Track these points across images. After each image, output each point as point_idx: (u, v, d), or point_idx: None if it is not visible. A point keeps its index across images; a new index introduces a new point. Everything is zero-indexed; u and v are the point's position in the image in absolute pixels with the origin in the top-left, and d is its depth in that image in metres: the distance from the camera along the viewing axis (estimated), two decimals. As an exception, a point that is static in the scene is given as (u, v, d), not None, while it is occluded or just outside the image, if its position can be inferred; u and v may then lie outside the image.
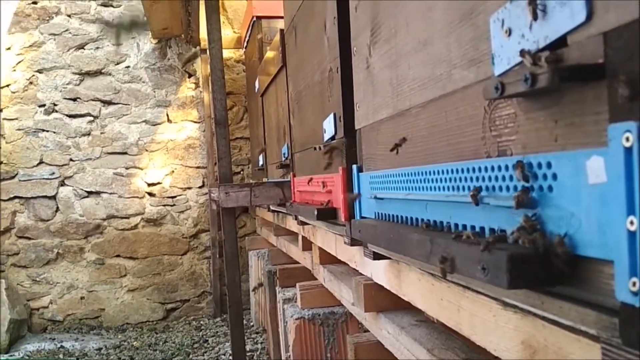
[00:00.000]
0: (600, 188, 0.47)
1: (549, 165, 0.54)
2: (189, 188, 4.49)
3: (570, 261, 0.52)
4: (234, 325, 2.41)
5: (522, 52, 0.51)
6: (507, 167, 0.62)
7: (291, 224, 2.59)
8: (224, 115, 2.35)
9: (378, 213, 1.08)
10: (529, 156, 0.57)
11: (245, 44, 4.03)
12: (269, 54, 2.79)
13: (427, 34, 0.83)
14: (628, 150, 0.43)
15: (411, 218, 0.91)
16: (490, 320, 0.76)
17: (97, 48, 4.41)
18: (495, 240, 0.60)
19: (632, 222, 0.43)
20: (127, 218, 4.42)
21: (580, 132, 0.50)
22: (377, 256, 1.16)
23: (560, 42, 0.51)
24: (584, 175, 0.49)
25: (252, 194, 2.16)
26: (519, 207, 0.57)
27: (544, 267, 0.53)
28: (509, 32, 0.59)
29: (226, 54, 4.53)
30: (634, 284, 0.43)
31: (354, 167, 1.23)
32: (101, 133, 4.39)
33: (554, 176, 0.53)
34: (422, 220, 0.86)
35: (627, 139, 0.43)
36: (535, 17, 0.53)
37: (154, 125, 4.47)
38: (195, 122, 4.52)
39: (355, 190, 1.24)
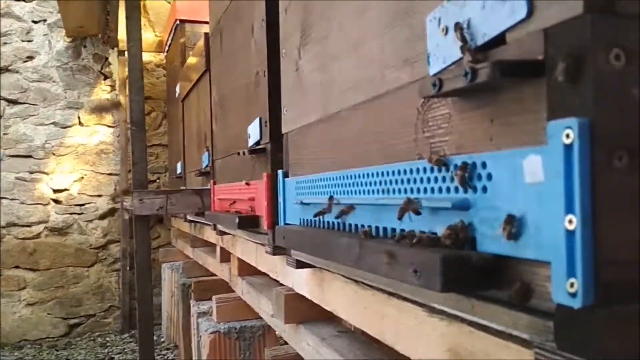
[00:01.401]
0: (537, 187, 0.46)
1: (483, 165, 0.53)
2: (99, 196, 4.24)
3: (504, 263, 0.51)
4: (143, 341, 2.27)
5: (463, 48, 0.50)
6: (439, 169, 0.60)
7: (209, 235, 2.49)
8: (141, 118, 2.23)
9: (303, 219, 1.05)
10: (462, 157, 0.56)
11: (166, 48, 3.89)
12: (192, 58, 2.70)
13: (360, 35, 0.81)
14: (568, 148, 0.42)
15: (338, 224, 0.88)
16: (415, 328, 0.74)
17: (5, 44, 4.09)
18: (427, 241, 0.58)
19: (570, 221, 0.42)
20: (29, 226, 4.09)
21: (517, 131, 0.49)
22: (300, 265, 1.13)
23: (499, 40, 0.51)
24: (520, 175, 0.48)
25: (169, 202, 2.06)
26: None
27: (477, 270, 0.51)
28: (446, 31, 0.58)
29: (146, 57, 4.35)
30: (572, 284, 0.42)
31: (280, 172, 1.19)
32: (4, 134, 4.05)
33: (489, 176, 0.52)
34: (350, 225, 0.84)
35: (568, 136, 0.42)
36: (472, 16, 0.52)
37: (64, 127, 4.19)
38: (109, 126, 4.29)
39: (280, 197, 1.20)
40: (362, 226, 0.79)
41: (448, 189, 0.59)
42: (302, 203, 1.01)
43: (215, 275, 2.52)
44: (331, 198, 0.85)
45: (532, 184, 0.47)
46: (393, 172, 0.70)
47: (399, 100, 0.70)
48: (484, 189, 0.53)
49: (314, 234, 0.85)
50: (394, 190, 0.70)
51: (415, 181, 0.65)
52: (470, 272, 0.51)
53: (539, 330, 0.46)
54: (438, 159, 0.56)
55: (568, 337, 0.43)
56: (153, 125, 4.36)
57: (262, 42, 1.37)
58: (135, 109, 2.19)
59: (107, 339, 4.13)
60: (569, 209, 0.42)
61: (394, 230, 0.70)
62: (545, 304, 0.46)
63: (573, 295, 0.42)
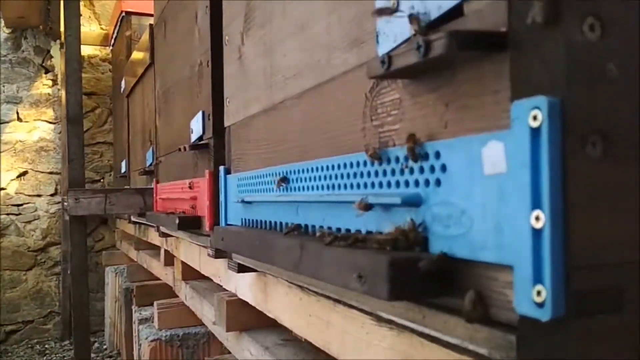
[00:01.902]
0: (498, 179, 0.40)
1: (437, 155, 0.47)
2: (39, 196, 4.00)
3: (460, 267, 0.45)
4: (80, 351, 2.12)
5: (411, 18, 0.43)
6: (388, 160, 0.53)
7: (153, 237, 2.36)
8: (79, 111, 2.08)
9: (245, 219, 0.97)
10: (417, 148, 0.49)
11: (112, 42, 3.72)
12: (137, 52, 2.57)
13: (305, 16, 0.74)
14: (535, 131, 0.36)
15: (281, 223, 0.81)
16: (362, 339, 0.67)
17: None
18: (374, 242, 0.51)
19: (537, 218, 0.36)
20: (-40, 228, 3.82)
21: (476, 116, 0.43)
22: (242, 268, 1.04)
23: (456, 12, 0.44)
24: (478, 166, 0.42)
25: (108, 201, 1.92)
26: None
27: (429, 275, 0.45)
28: (396, 5, 0.51)
29: (91, 51, 4.16)
30: (539, 293, 0.35)
31: (221, 168, 1.11)
32: None
33: (443, 168, 0.46)
34: (292, 224, 0.76)
35: (535, 118, 0.36)
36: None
37: (1, 123, 3.94)
38: (50, 122, 4.06)
39: (222, 195, 1.11)
40: (307, 226, 0.72)
41: (398, 184, 0.52)
42: (243, 201, 0.93)
43: (159, 279, 2.40)
44: (285, 179, 0.77)
45: (493, 175, 0.40)
46: (339, 166, 0.63)
47: (346, 86, 0.63)
48: (437, 182, 0.46)
49: (253, 235, 0.77)
50: (339, 186, 0.63)
51: (362, 175, 0.58)
52: (422, 277, 0.44)
53: (499, 345, 0.40)
54: (373, 152, 0.49)
55: (533, 353, 0.37)
56: (98, 122, 4.16)
57: (206, 30, 1.27)
58: (72, 102, 2.05)
59: (47, 346, 3.91)
60: (536, 204, 0.36)
61: (339, 230, 0.63)
62: (506, 315, 0.40)
63: (540, 305, 0.35)
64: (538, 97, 0.36)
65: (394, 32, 0.52)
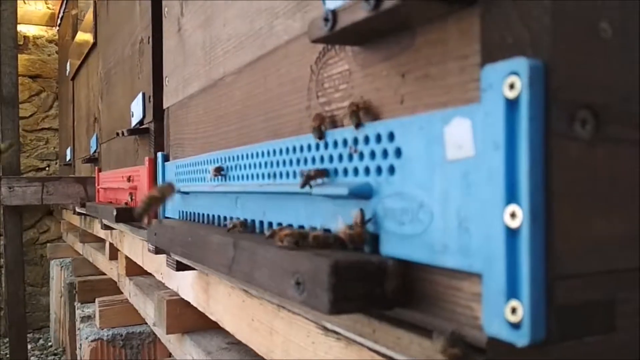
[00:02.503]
0: (464, 165, 0.32)
1: (390, 137, 0.38)
2: (-21, 184, 3.76)
3: (416, 272, 0.37)
4: (16, 350, 1.97)
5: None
6: (335, 144, 0.45)
7: (98, 229, 2.22)
8: (14, 92, 1.92)
9: (183, 212, 0.87)
10: (364, 126, 0.41)
11: (58, 22, 3.51)
12: (81, 32, 2.40)
13: (247, -21, 0.64)
14: (512, 104, 0.28)
15: (219, 217, 0.71)
16: (307, 349, 0.59)
17: None
18: (319, 241, 0.43)
19: (513, 215, 0.28)
20: None
21: (438, 87, 0.35)
22: (181, 266, 0.94)
23: (415, -39, 0.36)
24: (439, 149, 0.34)
25: (45, 191, 1.78)
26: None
27: (378, 282, 0.37)
28: (347, -42, 0.43)
29: (37, 31, 3.92)
30: (514, 310, 0.28)
31: (159, 155, 1.00)
32: None
33: (397, 152, 0.38)
34: (232, 219, 0.67)
35: (512, 86, 0.28)
36: None
37: (-64, 106, 3.67)
38: (-9, 106, 3.81)
39: (160, 183, 1.00)
40: (246, 220, 0.63)
41: (346, 171, 0.44)
42: (180, 192, 0.83)
43: (105, 274, 2.26)
44: (219, 169, 0.67)
45: (457, 160, 0.32)
46: (281, 151, 0.54)
47: (289, 57, 0.54)
48: (391, 170, 0.38)
49: (186, 230, 0.67)
50: (282, 174, 0.54)
51: (307, 161, 0.49)
52: (370, 286, 0.36)
53: (462, 371, 0.32)
54: (317, 127, 0.41)
55: (505, 385, 0.29)
56: (43, 106, 3.93)
57: (147, 4, 1.16)
58: (6, 82, 1.88)
59: (-13, 344, 3.69)
60: (511, 197, 0.28)
61: (280, 225, 0.54)
62: (472, 334, 0.32)
63: (515, 326, 0.28)
64: (516, 59, 0.28)
65: (343, -10, 0.43)
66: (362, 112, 0.41)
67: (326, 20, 0.38)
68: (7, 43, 1.91)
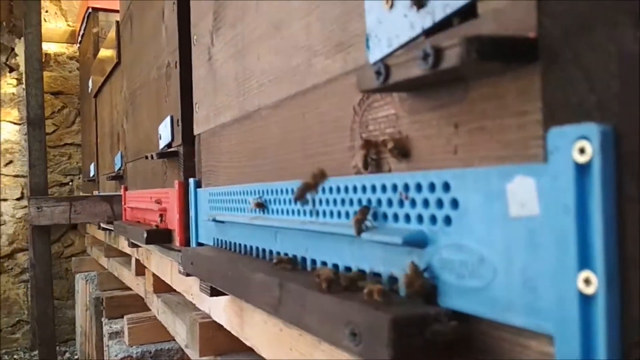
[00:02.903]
0: (529, 223, 0.32)
1: (445, 187, 0.38)
2: (4, 200, 3.82)
3: (475, 325, 0.36)
4: (46, 368, 1.99)
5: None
6: (383, 188, 0.45)
7: (124, 245, 2.25)
8: (40, 114, 1.95)
9: (218, 240, 0.87)
10: (415, 173, 0.41)
11: (79, 39, 3.56)
12: (104, 49, 2.44)
13: (281, 14, 0.65)
14: (583, 168, 0.28)
15: (257, 249, 0.72)
16: (352, 384, 0.59)
17: None
18: (370, 289, 0.43)
19: (587, 281, 0.28)
20: None
21: (495, 142, 0.35)
22: (215, 292, 0.95)
23: (468, 12, 0.36)
24: (501, 204, 0.33)
25: (72, 210, 1.80)
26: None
27: (439, 335, 0.36)
28: (391, 3, 0.43)
29: (57, 49, 3.99)
30: (589, 376, 0.27)
31: (191, 181, 1.01)
32: None
33: (454, 203, 0.37)
34: (271, 252, 0.67)
35: (582, 151, 0.28)
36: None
37: (-37, 124, 3.75)
38: (15, 123, 3.88)
39: (192, 210, 1.01)
40: (286, 255, 0.63)
41: (396, 217, 0.44)
42: (215, 220, 0.84)
43: (131, 289, 2.28)
44: (261, 204, 0.68)
45: (521, 218, 0.32)
46: (324, 190, 0.54)
47: (329, 96, 0.55)
48: (447, 220, 0.38)
49: (226, 263, 0.68)
50: (325, 213, 0.54)
51: (352, 203, 0.49)
52: (432, 339, 0.36)
53: None
54: (363, 155, 0.41)
55: None
56: (65, 122, 3.98)
57: (173, 29, 1.17)
58: (33, 104, 1.91)
59: (15, 356, 3.75)
60: (585, 263, 0.28)
61: (324, 265, 0.54)
62: (540, 394, 0.32)
63: (592, 393, 0.27)
64: (586, 124, 0.28)
65: (388, 34, 0.43)
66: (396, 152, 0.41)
67: (378, 73, 0.38)
68: (33, 65, 1.94)
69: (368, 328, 0.38)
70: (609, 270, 0.27)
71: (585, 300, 0.28)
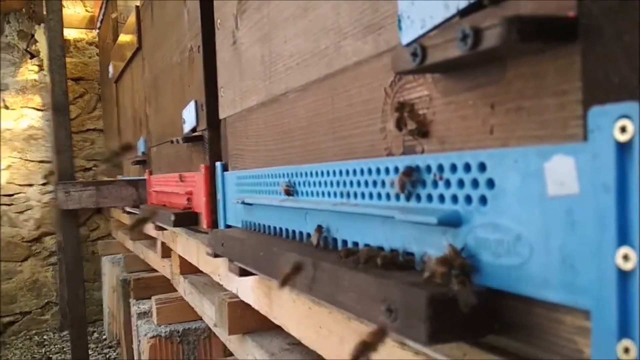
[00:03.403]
0: (567, 202, 0.32)
1: (481, 167, 0.39)
2: (30, 185, 3.91)
3: (509, 301, 0.37)
4: (77, 348, 2.06)
5: None
6: (417, 169, 0.46)
7: (149, 228, 2.29)
8: (64, 100, 1.98)
9: (247, 222, 0.89)
10: (449, 154, 0.42)
11: (98, 24, 3.59)
12: (124, 35, 2.45)
13: (308, -3, 0.65)
14: (623, 147, 0.28)
15: (287, 230, 0.73)
16: (383, 360, 0.60)
17: None
18: (401, 265, 0.44)
19: (626, 257, 0.28)
20: (-49, 220, 3.74)
21: (533, 122, 0.35)
22: (244, 272, 0.97)
23: (504, -7, 0.36)
24: (538, 184, 0.34)
25: (99, 194, 1.84)
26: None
27: (474, 312, 0.37)
28: (424, -16, 0.43)
29: (77, 34, 4.03)
30: (627, 350, 0.28)
31: (218, 164, 1.02)
32: None
33: (490, 183, 0.38)
34: (301, 233, 0.68)
35: (623, 129, 0.28)
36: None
37: (-13, 111, 3.82)
38: (38, 109, 3.94)
39: (220, 193, 1.03)
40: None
41: (430, 197, 0.44)
42: (244, 203, 0.85)
43: (157, 271, 2.33)
44: (290, 190, 0.69)
45: (559, 197, 0.33)
46: (355, 172, 0.55)
47: (360, 78, 0.55)
48: (483, 200, 0.39)
49: (258, 244, 0.69)
50: (356, 194, 0.55)
51: (384, 184, 0.50)
52: (467, 316, 0.37)
53: (568, 404, 0.33)
54: (397, 118, 0.40)
55: None
56: (87, 108, 4.04)
57: (196, 12, 1.18)
58: (57, 91, 1.94)
59: (45, 337, 3.87)
60: (623, 239, 0.28)
61: (356, 245, 0.56)
62: (577, 367, 0.33)
63: (631, 366, 0.28)
64: (627, 103, 0.28)
65: (422, 15, 0.43)
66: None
67: (414, 54, 0.38)
68: (56, 52, 1.97)
69: (405, 305, 0.39)
70: (649, 247, 0.27)
71: (624, 276, 0.28)
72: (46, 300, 3.99)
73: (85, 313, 2.11)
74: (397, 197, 0.48)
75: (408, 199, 0.47)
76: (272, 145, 0.78)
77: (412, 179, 0.45)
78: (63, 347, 3.63)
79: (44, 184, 3.94)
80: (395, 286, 0.40)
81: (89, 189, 1.87)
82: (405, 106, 0.46)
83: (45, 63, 3.89)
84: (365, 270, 0.46)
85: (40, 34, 3.94)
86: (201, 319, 1.82)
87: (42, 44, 3.95)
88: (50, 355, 3.48)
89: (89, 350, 3.42)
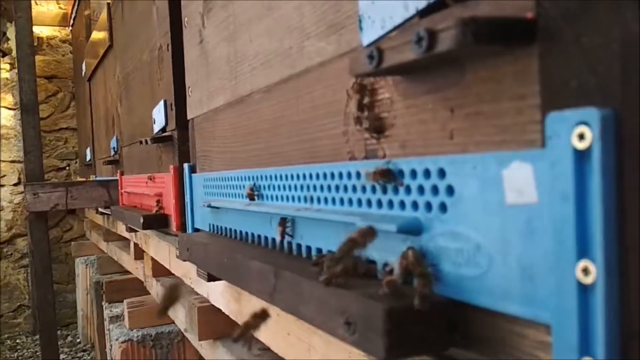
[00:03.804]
0: (526, 211, 0.31)
1: (441, 173, 0.37)
2: (2, 186, 3.81)
3: (472, 313, 0.36)
4: (47, 351, 2.00)
5: None
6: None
7: (122, 229, 2.24)
8: (33, 100, 1.93)
9: (214, 225, 0.87)
10: (410, 159, 0.40)
11: (71, 22, 3.51)
12: (96, 32, 2.40)
13: (273, -5, 0.63)
14: (582, 155, 0.27)
15: (252, 235, 0.71)
16: (349, 369, 0.58)
17: None
18: (363, 274, 0.42)
19: (586, 271, 0.27)
20: None
21: (492, 126, 0.34)
22: (212, 277, 0.94)
23: (463, -8, 0.34)
24: (497, 191, 0.33)
25: (69, 196, 1.79)
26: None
27: (434, 325, 0.36)
28: (385, -17, 0.41)
29: (50, 32, 3.94)
30: (587, 368, 0.27)
31: (186, 166, 1.00)
32: None
33: (449, 190, 0.37)
34: (267, 238, 0.66)
35: (582, 137, 0.27)
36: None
37: (-43, 110, 3.72)
38: (10, 108, 3.85)
39: (187, 196, 1.00)
40: (282, 241, 0.62)
41: (391, 203, 0.43)
42: (210, 206, 0.83)
43: (130, 272, 2.28)
44: (253, 194, 0.67)
45: (517, 205, 0.31)
46: (318, 176, 0.53)
47: (323, 79, 0.53)
48: (442, 207, 0.37)
49: (222, 251, 0.67)
50: (319, 199, 0.53)
51: (347, 189, 0.48)
52: (427, 328, 0.35)
53: (528, 421, 0.32)
54: (379, 173, 0.39)
55: None
56: (60, 107, 3.96)
57: (164, 10, 1.15)
58: (25, 89, 1.89)
59: (17, 341, 3.78)
60: (583, 252, 0.27)
61: (320, 251, 0.54)
62: (538, 384, 0.31)
63: (590, 385, 0.27)
64: (586, 108, 0.26)
65: (382, 15, 0.42)
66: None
67: (371, 57, 0.36)
68: (24, 50, 1.91)
69: (363, 318, 0.37)
70: (608, 260, 0.26)
71: (584, 290, 0.27)
72: (18, 304, 3.90)
73: (55, 316, 2.06)
74: (360, 202, 0.47)
75: (370, 205, 0.45)
76: (238, 147, 0.76)
77: (386, 178, 0.43)
78: (36, 352, 3.55)
79: (15, 185, 3.84)
80: (353, 298, 0.39)
81: (58, 190, 1.82)
82: (365, 90, 0.44)
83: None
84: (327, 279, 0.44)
85: (12, 32, 3.84)
86: (174, 322, 1.79)
87: (13, 42, 3.85)
88: (22, 360, 3.40)
89: (63, 355, 3.35)
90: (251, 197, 0.65)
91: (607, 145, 0.26)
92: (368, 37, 0.43)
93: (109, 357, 2.17)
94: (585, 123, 0.26)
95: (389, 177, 0.41)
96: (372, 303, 0.36)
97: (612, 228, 0.26)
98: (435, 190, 0.38)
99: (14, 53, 3.84)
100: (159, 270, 1.73)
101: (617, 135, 0.26)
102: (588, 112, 0.26)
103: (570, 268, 0.27)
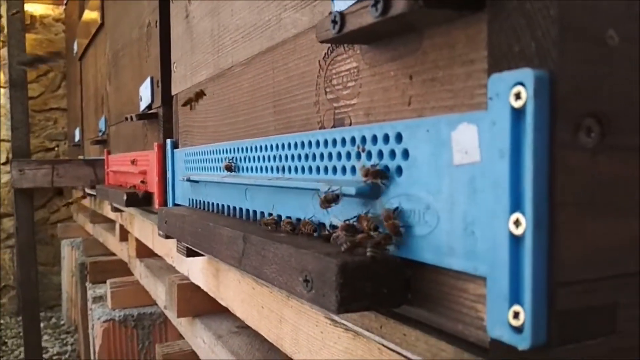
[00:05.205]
0: (470, 170, 0.32)
1: (398, 138, 0.39)
2: (-11, 164, 3.80)
3: (422, 272, 0.38)
4: (29, 330, 2.01)
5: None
6: (343, 141, 0.45)
7: (108, 210, 2.25)
8: (22, 75, 1.92)
9: (193, 200, 0.88)
10: (371, 126, 0.42)
11: (65, 1, 3.49)
12: (89, 11, 2.39)
13: (254, -30, 0.64)
14: (518, 113, 0.28)
15: (229, 207, 0.72)
16: (316, 338, 0.60)
17: None
18: (326, 238, 0.44)
19: (517, 222, 0.29)
20: None
21: (445, 91, 0.35)
22: (191, 253, 0.96)
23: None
24: (447, 153, 0.34)
25: (55, 173, 1.79)
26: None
27: (385, 282, 0.38)
28: (355, -45, 0.42)
29: (43, 10, 3.91)
30: (516, 314, 0.29)
31: (168, 142, 1.01)
32: None
33: (405, 153, 0.38)
34: (241, 210, 0.68)
35: (518, 96, 0.28)
36: None
37: (-53, 87, 3.69)
38: (1, 87, 3.82)
39: (169, 172, 1.01)
40: (256, 213, 0.64)
41: (354, 169, 0.44)
42: (189, 180, 0.84)
43: (115, 254, 2.29)
44: (230, 166, 0.68)
45: (463, 165, 0.33)
46: (289, 145, 0.54)
47: (298, 51, 0.55)
48: (399, 171, 0.39)
49: (196, 220, 0.69)
50: (290, 169, 0.55)
51: (315, 158, 0.50)
52: (379, 284, 0.37)
53: (466, 369, 0.33)
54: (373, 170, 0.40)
55: (507, 386, 0.30)
56: (51, 86, 3.93)
57: (154, -13, 1.16)
58: (14, 65, 1.88)
59: (2, 321, 3.78)
60: (516, 205, 0.29)
61: (289, 219, 0.55)
62: (476, 334, 0.33)
63: (517, 329, 0.29)
64: (522, 70, 0.28)
65: (351, -13, 0.43)
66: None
67: (334, 22, 0.38)
68: (15, 26, 1.91)
69: (318, 274, 0.39)
70: (537, 213, 0.28)
71: (515, 241, 0.29)
72: (4, 284, 3.89)
73: (38, 296, 2.06)
74: (326, 170, 0.48)
75: (335, 172, 0.47)
76: (219, 120, 0.77)
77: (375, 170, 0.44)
78: (19, 332, 3.54)
79: (4, 164, 3.83)
80: (311, 256, 0.40)
81: (44, 167, 1.82)
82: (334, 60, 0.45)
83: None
84: (289, 241, 0.46)
85: (5, 10, 3.81)
86: (157, 303, 1.80)
87: (6, 19, 3.82)
88: (6, 340, 3.40)
89: (46, 336, 3.36)
90: (229, 169, 0.67)
91: (541, 104, 0.28)
92: (339, 7, 0.45)
93: (91, 338, 2.18)
94: (521, 83, 0.28)
95: (383, 177, 0.43)
96: (328, 259, 0.38)
97: (543, 182, 0.28)
98: (392, 154, 0.39)
99: (5, 31, 3.81)
100: (143, 251, 1.74)
101: (551, 95, 0.28)
102: (523, 73, 0.28)
103: (504, 221, 0.29)
